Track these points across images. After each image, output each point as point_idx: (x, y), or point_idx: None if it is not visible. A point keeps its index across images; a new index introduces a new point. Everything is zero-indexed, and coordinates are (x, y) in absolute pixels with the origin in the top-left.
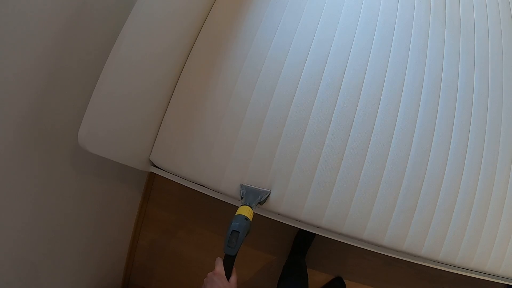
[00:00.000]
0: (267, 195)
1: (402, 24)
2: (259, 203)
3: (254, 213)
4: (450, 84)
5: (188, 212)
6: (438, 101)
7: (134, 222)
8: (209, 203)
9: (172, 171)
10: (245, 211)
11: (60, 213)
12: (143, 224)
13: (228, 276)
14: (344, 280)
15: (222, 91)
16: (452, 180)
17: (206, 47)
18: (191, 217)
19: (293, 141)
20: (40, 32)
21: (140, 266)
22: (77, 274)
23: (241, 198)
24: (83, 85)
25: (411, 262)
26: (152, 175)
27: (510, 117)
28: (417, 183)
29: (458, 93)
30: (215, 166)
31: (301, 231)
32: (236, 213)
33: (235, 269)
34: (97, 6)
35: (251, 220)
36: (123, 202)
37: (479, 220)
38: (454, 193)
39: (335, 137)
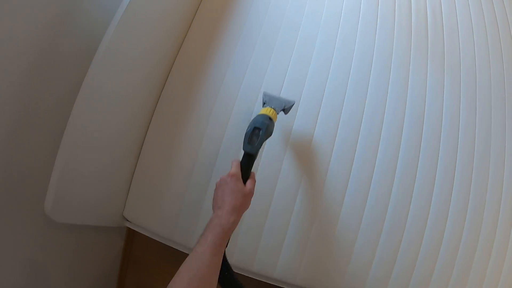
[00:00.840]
0: (291, 104)
1: (381, 59)
2: (283, 110)
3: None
4: (433, 123)
5: (173, 254)
6: (421, 142)
7: (119, 266)
8: None
9: (146, 228)
10: (268, 112)
11: (36, 264)
12: (128, 267)
13: (245, 179)
14: None
15: (189, 147)
16: (434, 229)
17: (169, 109)
18: (176, 260)
19: (262, 199)
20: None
21: None
22: None
23: (264, 104)
24: (51, 136)
25: None
26: None
27: (498, 158)
28: (397, 237)
29: (442, 132)
30: (186, 225)
31: None
32: (258, 114)
33: (254, 174)
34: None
35: (274, 122)
36: (106, 248)
37: (463, 271)
38: (437, 242)
39: (306, 192)
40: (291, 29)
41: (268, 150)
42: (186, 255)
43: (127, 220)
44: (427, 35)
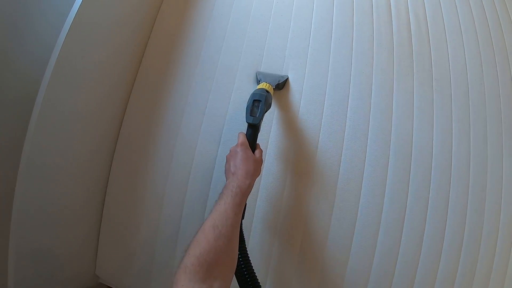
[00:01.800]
0: (285, 79)
1: (359, 78)
2: (277, 85)
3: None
4: (422, 150)
5: None
6: (410, 171)
7: None
8: None
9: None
10: (264, 86)
11: None
12: None
13: (252, 149)
14: None
15: (152, 199)
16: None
17: (126, 160)
18: None
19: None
20: None
21: None
22: None
23: (258, 82)
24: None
25: None
26: None
27: (495, 180)
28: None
29: (433, 159)
30: (160, 283)
31: None
32: (256, 89)
33: (259, 145)
34: None
35: (272, 95)
36: None
37: None
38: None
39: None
40: (254, 51)
41: None
42: None
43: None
44: (411, 46)
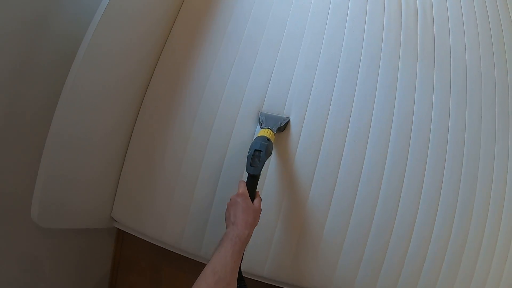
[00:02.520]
0: (286, 121)
1: (369, 57)
2: (279, 128)
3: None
4: (422, 124)
5: (164, 254)
6: (409, 144)
7: (110, 267)
8: None
9: (134, 229)
10: (265, 133)
11: (34, 276)
12: (120, 268)
13: (252, 197)
14: None
15: (174, 148)
16: (423, 230)
17: (155, 106)
18: (166, 258)
19: None
20: None
21: None
22: None
23: (261, 124)
24: (35, 140)
25: None
26: None
27: (486, 159)
28: (385, 236)
29: (431, 132)
30: (174, 226)
31: None
32: (257, 135)
33: (259, 193)
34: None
35: (272, 142)
36: (97, 248)
37: (451, 272)
38: (425, 243)
39: (297, 189)
40: (277, 26)
41: None
42: (177, 254)
43: (116, 221)
44: (417, 33)
